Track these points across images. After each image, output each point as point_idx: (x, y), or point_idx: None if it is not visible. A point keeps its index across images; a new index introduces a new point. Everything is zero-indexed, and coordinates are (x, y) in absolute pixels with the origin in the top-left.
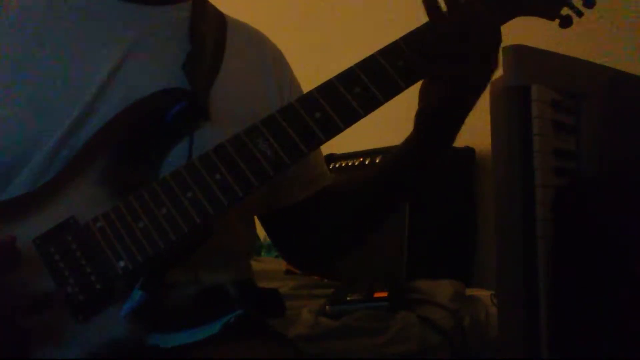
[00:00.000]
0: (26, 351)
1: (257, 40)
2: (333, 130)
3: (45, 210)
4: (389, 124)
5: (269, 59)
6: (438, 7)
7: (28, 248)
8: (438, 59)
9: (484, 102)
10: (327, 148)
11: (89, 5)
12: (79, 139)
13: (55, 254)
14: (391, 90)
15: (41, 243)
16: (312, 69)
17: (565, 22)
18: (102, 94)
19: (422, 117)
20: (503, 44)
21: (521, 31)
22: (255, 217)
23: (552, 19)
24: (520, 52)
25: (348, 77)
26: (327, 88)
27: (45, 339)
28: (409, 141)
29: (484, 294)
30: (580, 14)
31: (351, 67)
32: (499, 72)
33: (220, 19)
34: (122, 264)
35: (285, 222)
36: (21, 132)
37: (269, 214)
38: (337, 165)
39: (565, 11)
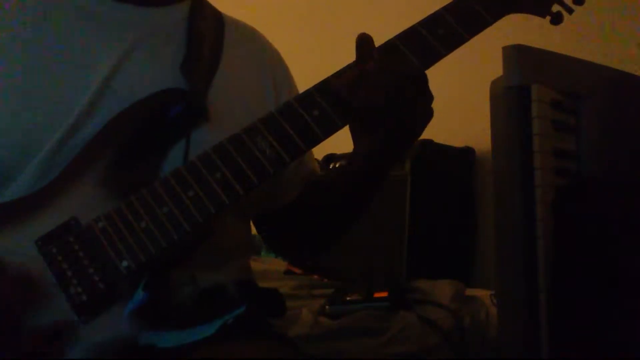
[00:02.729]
0: (29, 351)
1: (254, 40)
2: (331, 128)
3: (46, 211)
4: None
5: (267, 59)
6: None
7: (30, 249)
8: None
9: (484, 102)
10: (327, 148)
11: (87, 6)
12: (79, 140)
13: (58, 254)
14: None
15: (43, 244)
16: (312, 69)
17: (556, 19)
18: (101, 94)
19: (354, 161)
20: (503, 44)
21: (521, 31)
22: None
23: (543, 16)
24: (520, 52)
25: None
26: (324, 86)
27: (48, 338)
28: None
29: (484, 294)
30: (570, 10)
31: (349, 65)
32: (499, 72)
33: (218, 18)
34: (125, 263)
35: (278, 220)
36: (22, 132)
37: (263, 213)
38: (337, 165)
39: (556, 8)
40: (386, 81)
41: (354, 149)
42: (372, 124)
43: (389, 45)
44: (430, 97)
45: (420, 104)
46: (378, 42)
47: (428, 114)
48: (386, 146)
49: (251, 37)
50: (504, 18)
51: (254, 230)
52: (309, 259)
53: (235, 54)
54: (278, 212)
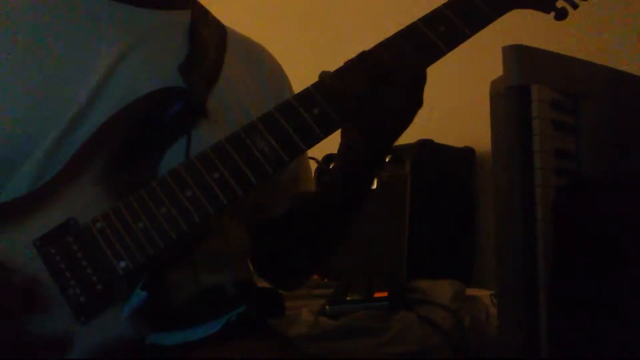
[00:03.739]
0: (30, 353)
1: (256, 53)
2: (331, 126)
3: (44, 211)
4: None
5: (267, 72)
6: None
7: (29, 250)
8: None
9: (484, 102)
10: (327, 148)
11: (87, 6)
12: (77, 137)
13: (56, 255)
14: None
15: (41, 245)
16: (312, 69)
17: (561, 15)
18: (98, 92)
19: (343, 157)
20: (503, 44)
21: (521, 31)
22: None
23: (547, 11)
24: (520, 52)
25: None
26: (324, 85)
27: (48, 340)
28: (336, 169)
29: (484, 294)
30: (575, 6)
31: (346, 62)
32: (499, 72)
33: (221, 29)
34: (122, 264)
35: (263, 234)
36: (19, 130)
37: (255, 225)
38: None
39: (560, 3)
40: (387, 76)
41: (341, 143)
42: (364, 118)
43: (390, 41)
44: (421, 102)
45: (415, 103)
46: (376, 40)
47: (411, 116)
48: (368, 140)
49: (253, 51)
50: (504, 18)
51: None
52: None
53: (237, 64)
54: (270, 226)
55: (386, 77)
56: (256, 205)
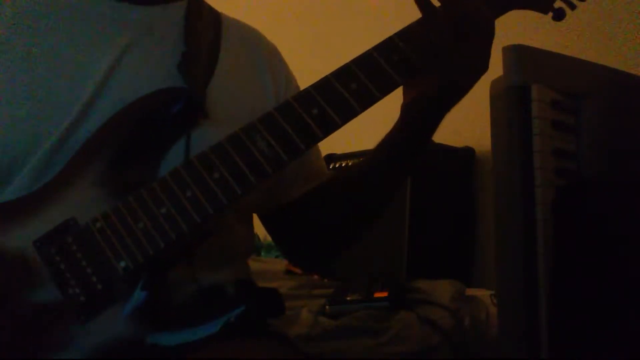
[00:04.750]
0: (29, 353)
1: (252, 38)
2: (330, 127)
3: (45, 211)
4: (389, 123)
5: (265, 57)
6: (429, 3)
7: (29, 250)
8: (432, 55)
9: (484, 102)
10: (327, 148)
11: (83, 5)
12: (78, 138)
13: (56, 255)
14: (387, 85)
15: (41, 245)
16: (312, 68)
17: (558, 15)
18: (98, 93)
19: (408, 111)
20: (503, 44)
21: (521, 31)
22: (255, 215)
23: (545, 12)
24: (520, 52)
25: (344, 73)
26: (323, 84)
27: (47, 340)
28: (393, 133)
29: (484, 294)
30: (573, 6)
31: (347, 63)
32: (499, 72)
33: (215, 17)
34: (122, 264)
35: (285, 220)
36: (20, 131)
37: (268, 212)
38: (337, 165)
39: (558, 4)
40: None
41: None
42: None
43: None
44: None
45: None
46: (376, 41)
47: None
48: (433, 98)
49: (249, 36)
50: (504, 18)
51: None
52: (318, 264)
53: (233, 52)
54: (283, 210)
55: (466, 32)
56: (262, 196)
